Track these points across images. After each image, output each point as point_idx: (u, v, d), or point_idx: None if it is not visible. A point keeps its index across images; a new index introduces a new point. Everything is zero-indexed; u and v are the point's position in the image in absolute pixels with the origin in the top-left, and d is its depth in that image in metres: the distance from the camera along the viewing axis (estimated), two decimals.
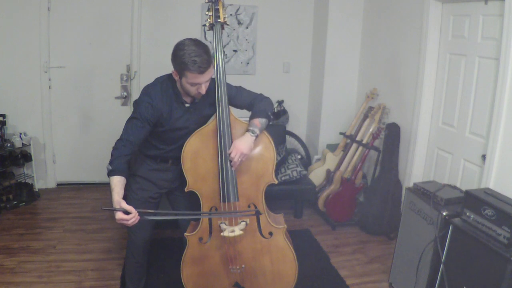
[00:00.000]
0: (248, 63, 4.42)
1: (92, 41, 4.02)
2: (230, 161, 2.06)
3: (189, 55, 1.90)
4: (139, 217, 1.87)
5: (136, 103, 2.08)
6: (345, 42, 4.17)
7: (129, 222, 1.85)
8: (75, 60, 4.03)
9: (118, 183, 1.92)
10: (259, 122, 2.12)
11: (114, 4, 3.99)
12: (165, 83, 2.10)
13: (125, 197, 1.94)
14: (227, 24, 2.23)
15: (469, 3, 2.82)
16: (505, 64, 2.40)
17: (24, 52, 3.87)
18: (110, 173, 1.95)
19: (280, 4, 4.36)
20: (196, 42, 1.98)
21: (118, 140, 2.02)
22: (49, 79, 4.01)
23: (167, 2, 4.11)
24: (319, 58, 4.34)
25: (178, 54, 1.94)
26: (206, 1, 2.20)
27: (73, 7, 3.91)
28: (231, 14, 4.23)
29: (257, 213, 2.11)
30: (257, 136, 2.09)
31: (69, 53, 4.01)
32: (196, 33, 4.19)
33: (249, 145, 2.05)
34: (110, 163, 1.96)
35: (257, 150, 2.16)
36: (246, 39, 4.35)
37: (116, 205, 1.87)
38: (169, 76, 2.12)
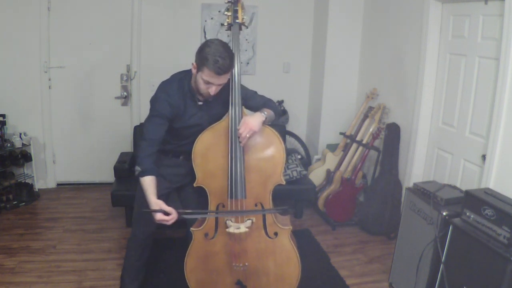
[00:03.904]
0: (248, 63, 4.42)
1: (92, 41, 4.02)
2: (238, 137, 2.07)
3: (214, 53, 1.91)
4: (178, 215, 1.93)
5: (153, 101, 2.09)
6: (345, 42, 4.17)
7: (169, 222, 1.91)
8: (75, 60, 4.03)
9: (151, 182, 1.96)
10: (269, 111, 2.20)
11: (114, 4, 3.99)
12: (181, 80, 2.12)
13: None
14: (245, 25, 2.26)
15: (469, 3, 2.82)
16: (505, 64, 2.40)
17: (24, 52, 3.87)
18: (141, 174, 1.97)
19: (280, 4, 4.36)
20: (224, 44, 1.98)
21: (141, 141, 2.05)
22: (49, 79, 4.01)
23: (167, 2, 4.11)
24: (319, 58, 4.34)
25: (205, 49, 1.95)
26: (226, 1, 2.23)
27: (73, 7, 3.91)
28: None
29: (285, 211, 2.14)
30: (266, 118, 2.13)
31: (69, 53, 4.00)
32: (196, 33, 4.20)
33: (259, 122, 2.09)
34: (139, 164, 1.99)
35: (268, 150, 2.18)
36: (246, 39, 4.35)
37: (155, 206, 1.91)
38: (185, 72, 2.14)
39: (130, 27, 4.05)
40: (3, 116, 3.81)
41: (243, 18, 2.22)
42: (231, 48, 2.06)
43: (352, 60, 4.23)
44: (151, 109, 2.09)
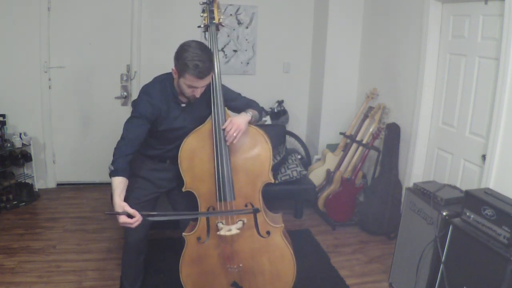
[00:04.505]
0: (248, 63, 4.42)
1: (92, 41, 4.02)
2: (225, 136, 2.06)
3: (193, 58, 1.90)
4: (141, 218, 1.89)
5: (135, 102, 2.10)
6: (345, 42, 4.17)
7: (133, 225, 1.88)
8: (75, 60, 4.03)
9: (120, 184, 1.93)
10: (254, 111, 2.21)
11: (114, 4, 3.99)
12: (163, 82, 2.12)
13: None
14: (222, 25, 2.24)
15: (469, 3, 2.82)
16: (505, 64, 2.40)
17: (24, 52, 3.87)
18: (112, 174, 1.95)
19: (280, 4, 4.36)
20: (201, 46, 1.97)
21: (119, 140, 2.03)
22: (49, 79, 4.01)
23: (167, 2, 4.11)
24: (319, 58, 4.34)
25: (182, 54, 1.93)
26: (201, 2, 2.21)
27: (73, 7, 3.91)
28: (231, 14, 4.23)
29: (255, 211, 2.11)
30: (251, 118, 2.15)
31: (69, 53, 4.00)
32: (196, 33, 4.16)
33: (246, 122, 2.10)
34: (112, 163, 1.97)
35: (254, 149, 2.17)
36: (246, 39, 4.35)
37: (119, 209, 1.88)
38: (168, 75, 2.14)
39: (130, 27, 4.05)
40: (3, 116, 3.81)
41: (219, 19, 2.21)
42: (210, 49, 2.05)
43: (352, 60, 4.23)
44: (132, 111, 2.08)
